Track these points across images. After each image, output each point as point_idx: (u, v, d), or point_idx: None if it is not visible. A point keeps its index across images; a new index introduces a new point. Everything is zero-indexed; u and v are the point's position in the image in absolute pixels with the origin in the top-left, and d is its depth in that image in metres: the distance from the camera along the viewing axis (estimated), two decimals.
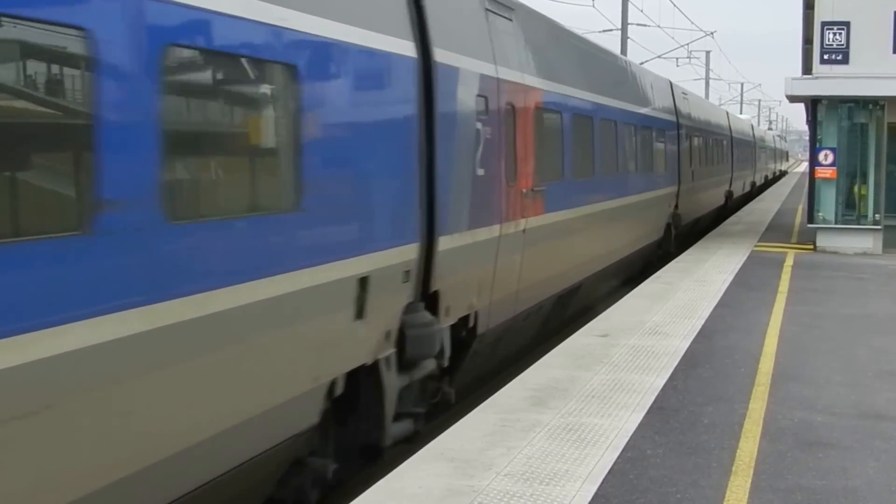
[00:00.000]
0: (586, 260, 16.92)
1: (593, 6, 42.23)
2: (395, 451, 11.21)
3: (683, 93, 30.90)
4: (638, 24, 48.92)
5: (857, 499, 7.46)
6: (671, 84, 28.55)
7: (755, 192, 58.21)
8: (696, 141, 31.29)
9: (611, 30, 43.50)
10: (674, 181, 26.27)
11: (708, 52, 78.70)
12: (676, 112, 27.72)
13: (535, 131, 13.52)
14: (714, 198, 36.60)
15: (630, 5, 41.84)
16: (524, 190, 12.89)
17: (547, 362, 11.65)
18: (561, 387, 10.45)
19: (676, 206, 26.75)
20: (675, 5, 49.97)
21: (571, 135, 15.53)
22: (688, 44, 56.73)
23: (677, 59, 65.78)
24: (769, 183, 74.35)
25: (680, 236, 27.58)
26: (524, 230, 12.83)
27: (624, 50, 41.11)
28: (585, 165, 16.53)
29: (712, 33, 58.51)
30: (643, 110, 22.53)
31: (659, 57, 52.18)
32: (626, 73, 22.30)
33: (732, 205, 42.92)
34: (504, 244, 12.10)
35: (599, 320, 14.53)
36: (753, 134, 59.38)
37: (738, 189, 46.46)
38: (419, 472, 7.73)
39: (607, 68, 20.22)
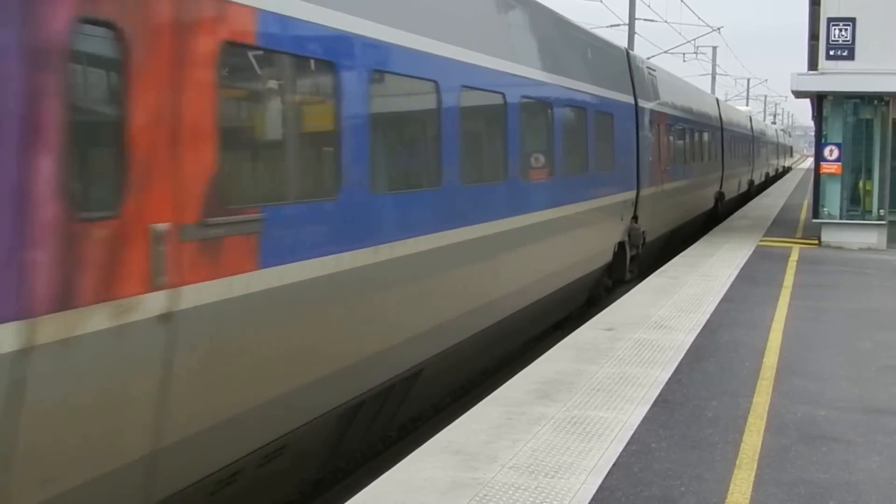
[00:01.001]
0: (428, 329, 10.42)
1: (601, 1, 42.23)
2: (401, 444, 11.29)
3: (650, 69, 23.88)
4: (645, 20, 48.97)
5: (859, 492, 7.50)
6: (628, 55, 21.54)
7: (754, 191, 53.45)
8: (668, 132, 24.64)
9: (618, 25, 43.48)
10: (629, 184, 19.85)
11: (714, 48, 78.62)
12: (636, 92, 21.09)
13: (220, 93, 6.83)
14: (698, 202, 30.60)
15: (637, 0, 41.84)
16: (163, 227, 6.27)
17: (552, 356, 11.69)
18: (566, 380, 10.50)
19: (635, 218, 20.56)
20: (682, 1, 49.93)
21: (367, 109, 8.87)
22: (694, 39, 56.53)
23: (684, 54, 65.76)
24: (771, 181, 70.64)
25: (643, 257, 21.80)
26: (169, 315, 6.32)
27: (631, 45, 41.11)
28: (416, 167, 10.22)
29: (719, 29, 58.44)
30: (572, 84, 15.71)
31: (666, 52, 52.09)
32: (540, 26, 14.86)
33: (724, 208, 37.74)
34: (51, 367, 5.44)
35: (605, 314, 14.56)
36: (752, 126, 53.84)
37: (732, 189, 41.07)
38: (424, 464, 7.77)
39: (497, 11, 13.12)
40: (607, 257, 18.64)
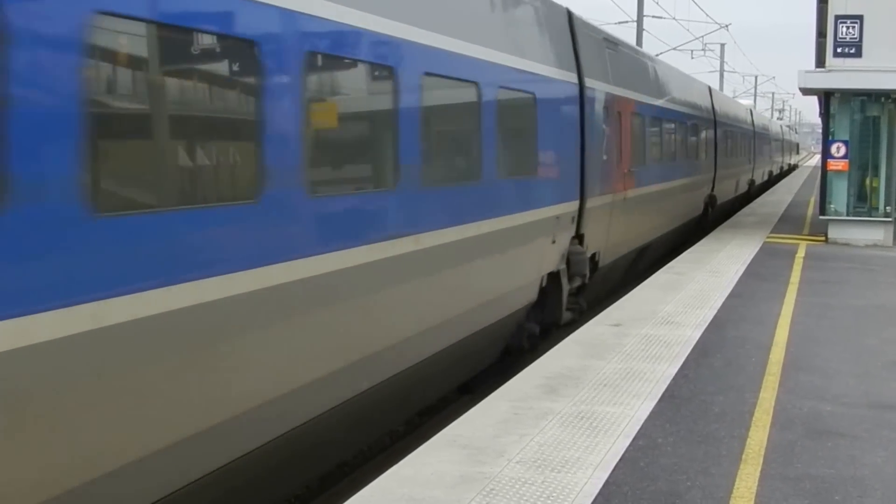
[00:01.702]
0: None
1: None
2: (408, 438, 11.33)
3: (609, 42, 18.31)
4: (653, 17, 48.98)
5: (865, 487, 7.53)
6: (570, 17, 15.75)
7: (755, 192, 48.58)
8: (637, 124, 19.53)
9: (626, 21, 43.50)
10: (566, 193, 14.61)
11: (722, 45, 78.57)
12: (582, 69, 15.63)
13: None
14: (680, 210, 25.70)
15: None
16: None
17: (560, 351, 11.72)
18: (573, 375, 10.53)
19: (579, 238, 15.50)
20: None
21: None
22: (702, 36, 56.56)
23: (692, 51, 65.74)
24: (775, 180, 66.28)
25: (597, 286, 17.29)
26: None
27: (640, 41, 41.11)
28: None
29: (727, 26, 58.40)
30: (439, 41, 10.15)
31: (674, 49, 52.12)
32: None
33: (716, 214, 33.13)
34: None
35: (612, 310, 14.58)
36: (752, 121, 48.63)
37: (728, 191, 36.39)
38: (431, 458, 7.81)
39: None
40: (529, 296, 13.54)
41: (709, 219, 31.38)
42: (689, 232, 28.75)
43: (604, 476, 7.55)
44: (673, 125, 24.19)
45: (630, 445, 8.29)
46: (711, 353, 11.90)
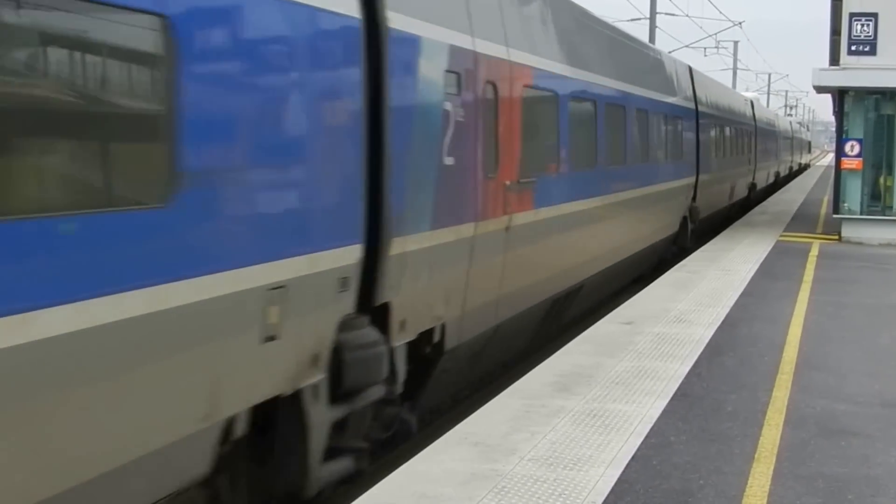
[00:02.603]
0: None
1: None
2: (420, 435, 11.32)
3: None
4: (666, 14, 48.90)
5: (878, 486, 7.50)
6: None
7: (756, 197, 40.94)
8: (528, 106, 11.95)
9: (639, 19, 43.43)
10: (319, 233, 7.30)
11: (736, 42, 78.39)
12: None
13: None
14: (635, 232, 18.77)
15: None
16: None
17: (571, 349, 11.71)
18: (585, 373, 10.51)
19: (377, 313, 8.35)
20: None
21: None
22: (716, 34, 56.56)
23: (705, 48, 65.69)
24: (782, 182, 58.36)
25: (454, 377, 11.05)
26: None
27: (652, 38, 41.05)
28: None
29: (741, 23, 58.27)
30: None
31: (687, 46, 52.03)
32: None
33: (699, 228, 26.32)
34: None
35: (624, 308, 14.56)
36: (753, 115, 41.04)
37: (717, 199, 29.53)
38: (443, 455, 7.80)
39: None
40: (183, 472, 6.22)
41: (687, 236, 24.70)
42: (659, 256, 22.46)
43: (616, 474, 7.53)
44: (619, 113, 16.98)
45: (642, 443, 8.28)
46: (724, 351, 11.88)
